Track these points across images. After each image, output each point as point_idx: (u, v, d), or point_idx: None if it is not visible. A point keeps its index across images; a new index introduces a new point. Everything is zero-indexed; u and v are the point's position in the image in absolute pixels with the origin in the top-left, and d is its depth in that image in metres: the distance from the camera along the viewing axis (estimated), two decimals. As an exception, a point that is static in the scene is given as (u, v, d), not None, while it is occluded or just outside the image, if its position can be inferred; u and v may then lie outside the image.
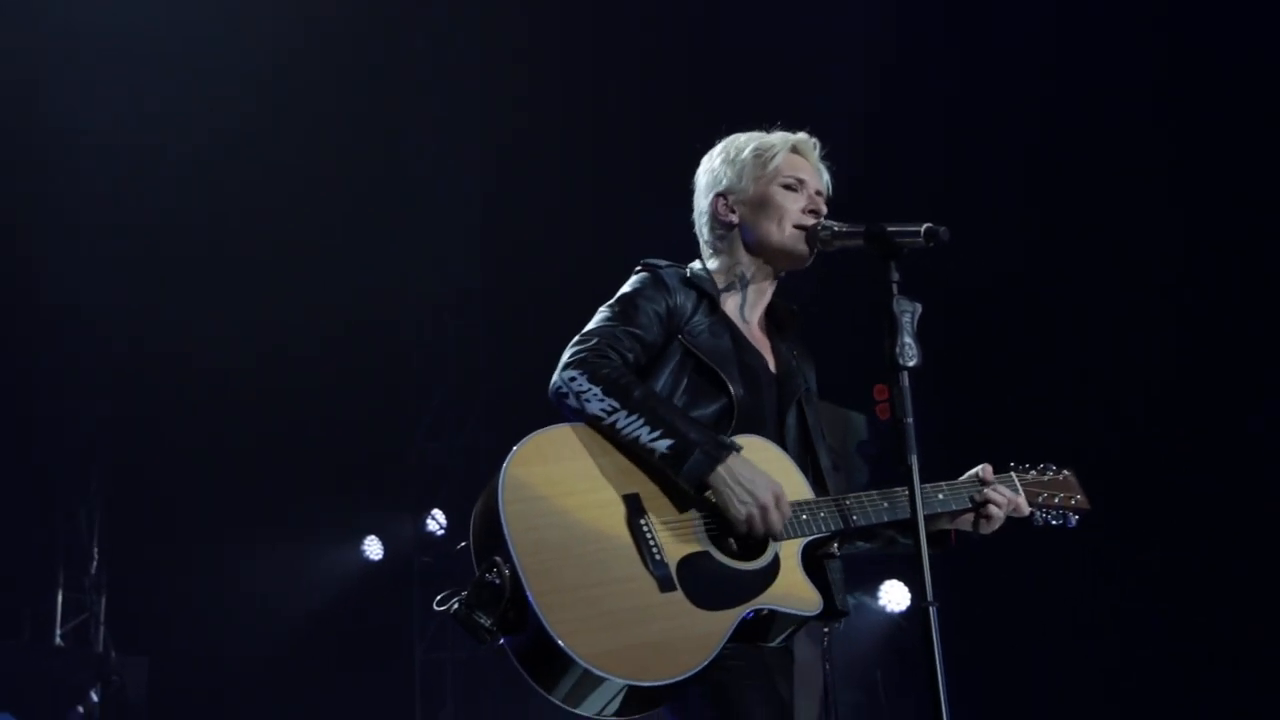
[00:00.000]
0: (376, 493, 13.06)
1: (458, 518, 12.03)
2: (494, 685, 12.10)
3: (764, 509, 3.46)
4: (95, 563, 11.94)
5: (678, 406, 3.62)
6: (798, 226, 3.85)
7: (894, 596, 10.87)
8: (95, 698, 10.52)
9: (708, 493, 3.49)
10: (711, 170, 4.00)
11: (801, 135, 4.01)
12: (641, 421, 3.48)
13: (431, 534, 12.70)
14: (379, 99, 11.66)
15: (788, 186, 3.89)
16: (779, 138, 3.98)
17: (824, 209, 3.90)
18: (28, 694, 10.30)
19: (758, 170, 3.91)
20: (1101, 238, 10.20)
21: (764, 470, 3.53)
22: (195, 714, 11.59)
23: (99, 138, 10.65)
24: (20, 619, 11.68)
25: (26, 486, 11.85)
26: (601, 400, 3.50)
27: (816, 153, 4.00)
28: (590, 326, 3.71)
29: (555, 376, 3.58)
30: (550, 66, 11.08)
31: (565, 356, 3.61)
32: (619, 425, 3.49)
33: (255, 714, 11.96)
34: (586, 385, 3.52)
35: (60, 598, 11.75)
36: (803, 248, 3.85)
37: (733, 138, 4.03)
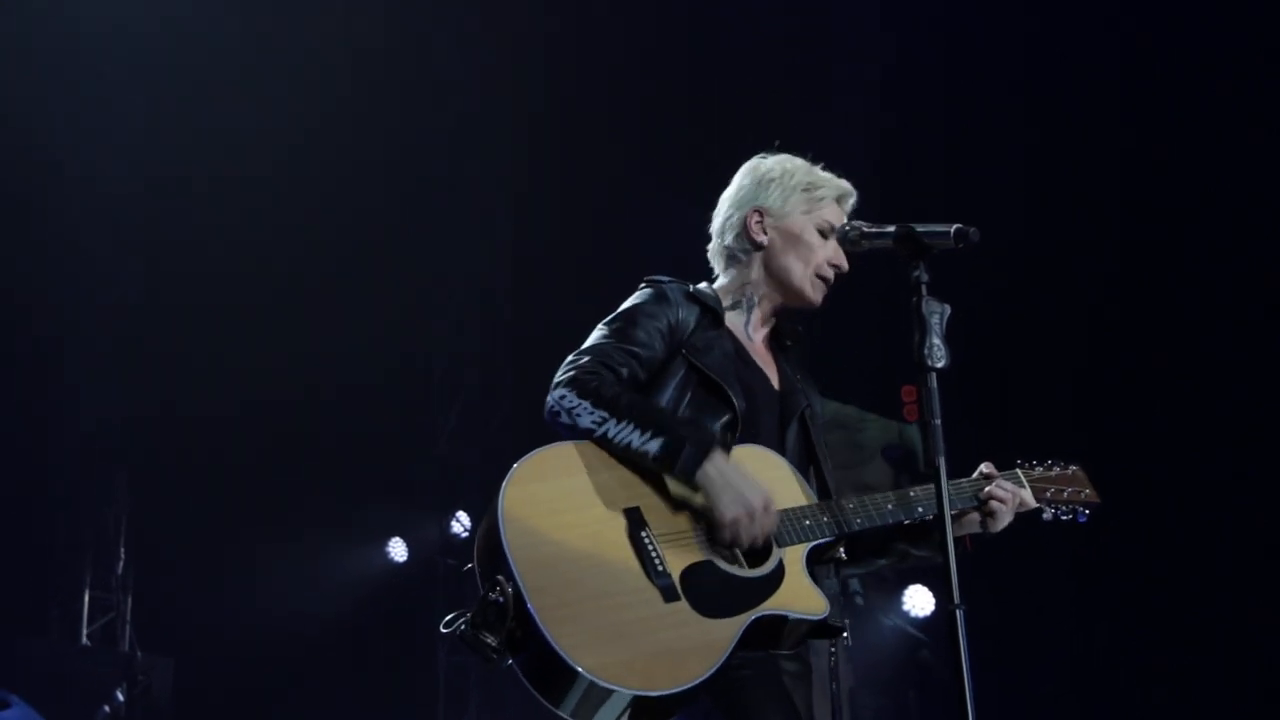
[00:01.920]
0: (401, 495, 13.07)
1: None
2: (518, 689, 12.08)
3: (750, 513, 3.44)
4: (122, 563, 11.97)
5: (667, 409, 3.62)
6: (819, 276, 3.87)
7: (918, 602, 10.81)
8: (121, 697, 10.54)
9: (698, 493, 3.47)
10: (756, 183, 3.96)
11: (848, 186, 3.97)
12: (632, 427, 3.48)
13: (456, 536, 12.70)
14: (401, 106, 11.66)
15: (822, 232, 3.88)
16: (831, 181, 3.95)
17: (845, 265, 3.90)
18: (54, 693, 10.32)
19: (804, 204, 3.90)
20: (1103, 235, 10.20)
21: (760, 477, 3.52)
22: (220, 714, 11.63)
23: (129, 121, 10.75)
24: (48, 619, 11.72)
25: (54, 487, 11.91)
26: (591, 413, 3.51)
27: (850, 209, 3.98)
28: (584, 345, 3.71)
29: (548, 397, 3.59)
30: (573, 72, 11.07)
31: (557, 376, 3.62)
32: (610, 434, 3.49)
33: (279, 715, 11.98)
34: (576, 401, 3.53)
35: (87, 597, 11.79)
36: (815, 296, 3.88)
37: (786, 158, 3.99)
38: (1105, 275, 10.19)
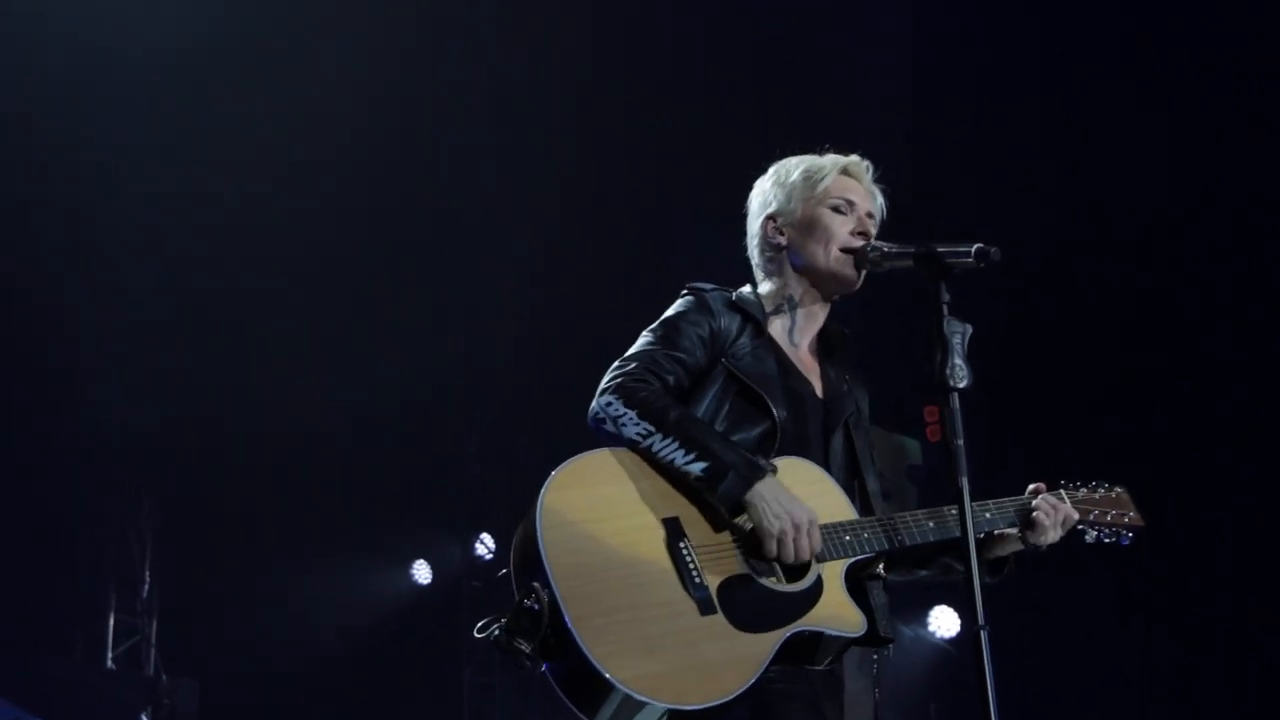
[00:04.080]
0: (425, 517, 13.08)
1: (506, 542, 11.96)
2: (542, 709, 12.09)
3: (796, 530, 3.43)
4: (147, 586, 12.00)
5: (715, 429, 3.61)
6: (845, 249, 3.82)
7: (943, 622, 10.78)
8: (146, 720, 10.59)
9: (742, 516, 3.47)
10: (762, 193, 3.99)
11: (853, 158, 3.98)
12: (676, 444, 3.47)
13: (480, 558, 12.72)
14: (425, 123, 11.67)
15: (836, 209, 3.86)
16: (830, 160, 3.96)
17: (872, 231, 3.87)
18: (79, 716, 10.37)
19: (806, 192, 3.89)
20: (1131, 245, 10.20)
21: (802, 493, 3.52)
22: (245, 737, 11.66)
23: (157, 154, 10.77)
24: (72, 641, 11.76)
25: (79, 509, 11.94)
26: (637, 424, 3.51)
27: (869, 175, 3.97)
28: (630, 351, 3.72)
29: (593, 402, 3.59)
30: (606, 93, 11.07)
31: (603, 382, 3.62)
32: (655, 448, 3.49)
33: (305, 738, 12.01)
34: (622, 409, 3.53)
35: (112, 620, 11.82)
36: (850, 271, 3.82)
37: (784, 161, 4.01)
38: (1105, 275, 10.17)
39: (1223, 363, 9.78)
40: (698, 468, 3.46)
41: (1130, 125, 9.78)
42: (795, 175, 3.93)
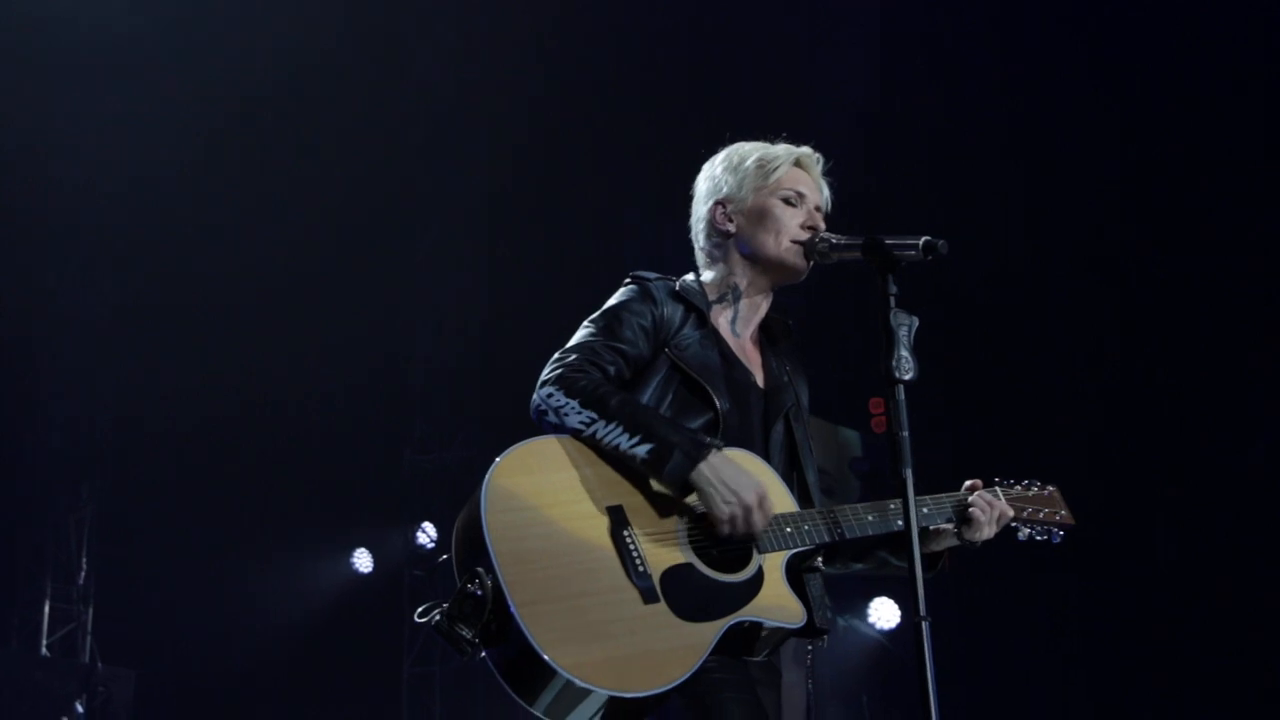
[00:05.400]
0: (366, 506, 13.02)
1: (447, 531, 11.97)
2: (481, 698, 12.06)
3: (747, 509, 3.44)
4: (83, 573, 11.89)
5: (657, 411, 3.60)
6: (795, 241, 3.81)
7: (884, 614, 10.83)
8: (80, 709, 10.47)
9: (692, 494, 3.47)
10: (713, 177, 3.96)
11: (805, 149, 3.96)
12: (620, 429, 3.46)
13: (421, 547, 12.67)
14: (378, 110, 11.61)
15: (787, 200, 3.85)
16: (783, 150, 3.94)
17: (822, 225, 3.86)
18: (13, 704, 10.25)
19: (759, 181, 3.87)
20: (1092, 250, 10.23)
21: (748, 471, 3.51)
22: (182, 727, 11.57)
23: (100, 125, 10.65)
24: (7, 628, 11.64)
25: (15, 496, 11.81)
26: (579, 413, 3.50)
27: (819, 168, 3.96)
28: (571, 342, 3.69)
29: (534, 395, 3.57)
30: (553, 81, 11.04)
31: (543, 374, 3.59)
32: (599, 435, 3.48)
33: (243, 728, 11.93)
34: (564, 400, 3.51)
35: (47, 608, 11.70)
36: (799, 262, 3.81)
37: (736, 146, 3.99)
38: (1098, 274, 10.21)
39: (1222, 362, 9.84)
40: (643, 450, 3.45)
41: (1128, 124, 9.84)
42: (749, 162, 3.90)
